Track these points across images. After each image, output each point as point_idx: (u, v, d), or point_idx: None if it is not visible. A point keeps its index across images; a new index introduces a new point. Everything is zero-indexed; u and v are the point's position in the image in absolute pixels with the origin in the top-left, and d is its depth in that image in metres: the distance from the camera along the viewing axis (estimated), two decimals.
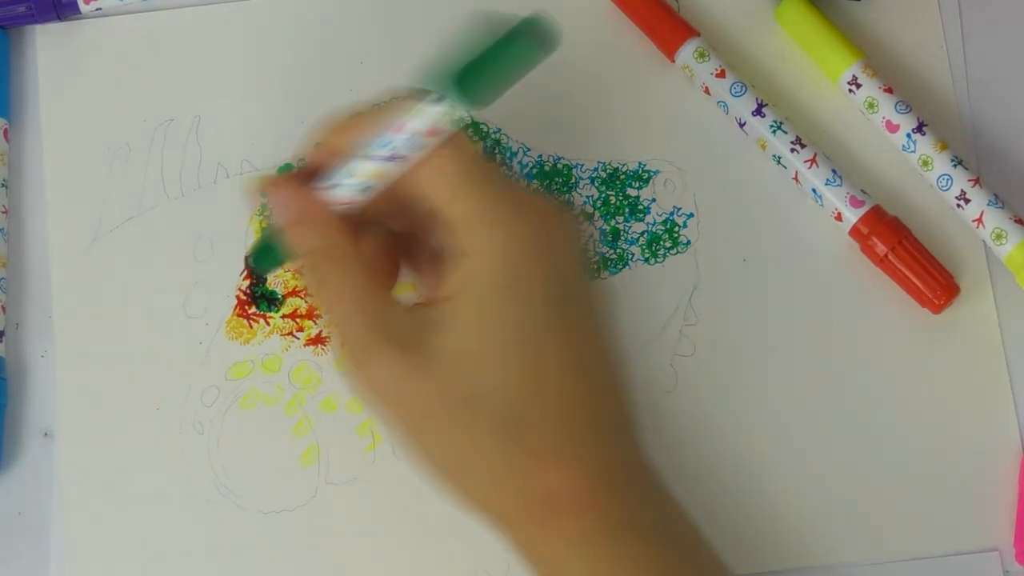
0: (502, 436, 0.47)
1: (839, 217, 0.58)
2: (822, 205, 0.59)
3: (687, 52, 0.60)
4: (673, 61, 0.61)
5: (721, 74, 0.60)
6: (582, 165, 0.61)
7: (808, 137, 0.59)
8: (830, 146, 0.60)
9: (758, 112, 0.59)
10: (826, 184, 0.58)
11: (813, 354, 0.59)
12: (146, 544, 0.57)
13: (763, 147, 0.59)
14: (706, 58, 0.60)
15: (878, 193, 0.59)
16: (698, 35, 0.61)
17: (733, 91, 0.59)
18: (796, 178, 0.59)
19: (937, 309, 0.57)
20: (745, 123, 0.59)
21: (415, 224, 0.53)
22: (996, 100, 0.61)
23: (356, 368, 0.49)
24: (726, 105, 0.60)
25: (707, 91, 0.60)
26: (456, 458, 0.49)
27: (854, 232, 0.58)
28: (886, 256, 0.57)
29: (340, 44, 0.63)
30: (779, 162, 0.59)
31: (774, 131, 0.59)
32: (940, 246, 0.59)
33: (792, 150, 0.59)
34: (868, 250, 0.58)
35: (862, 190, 0.58)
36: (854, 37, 0.61)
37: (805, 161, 0.58)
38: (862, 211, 0.58)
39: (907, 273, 0.57)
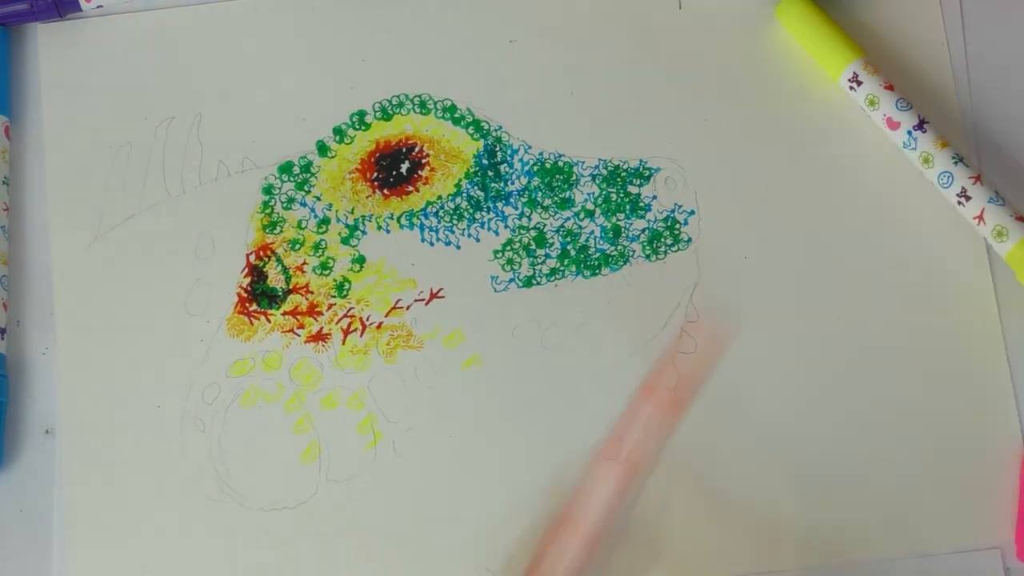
0: None
1: (984, 224, 0.57)
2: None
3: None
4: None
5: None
6: (583, 162, 0.61)
7: (810, 135, 0.59)
8: (831, 143, 0.60)
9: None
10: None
11: (813, 353, 0.59)
12: (147, 541, 0.57)
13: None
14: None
15: (878, 192, 0.59)
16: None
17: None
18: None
19: None
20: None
21: None
22: (997, 98, 0.61)
23: None
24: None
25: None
26: None
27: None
28: None
29: (340, 43, 0.63)
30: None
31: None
32: (941, 244, 0.59)
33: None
34: None
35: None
36: (855, 35, 0.61)
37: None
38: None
39: None
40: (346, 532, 0.58)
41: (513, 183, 0.61)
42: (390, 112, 0.62)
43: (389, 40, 0.63)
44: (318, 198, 0.61)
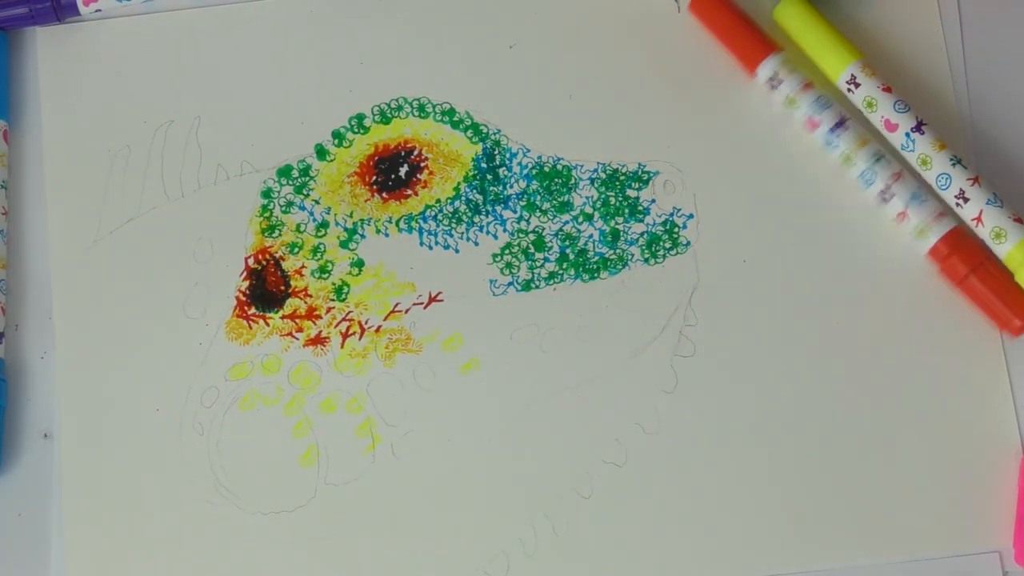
0: None
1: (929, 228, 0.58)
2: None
3: (770, 66, 0.60)
4: (753, 75, 0.61)
5: (808, 86, 0.59)
6: (582, 166, 0.61)
7: (808, 137, 0.59)
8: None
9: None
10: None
11: (812, 355, 0.58)
12: (146, 545, 0.57)
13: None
14: (790, 73, 0.60)
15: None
16: (780, 50, 0.60)
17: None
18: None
19: (1019, 331, 0.57)
20: (834, 136, 0.59)
21: None
22: (995, 99, 0.61)
23: None
24: (807, 119, 0.59)
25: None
26: None
27: (934, 251, 0.58)
28: (967, 276, 0.57)
29: (340, 44, 0.63)
30: (864, 177, 0.59)
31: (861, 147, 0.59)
32: None
33: (877, 161, 0.58)
34: (950, 269, 0.57)
35: (944, 213, 0.58)
36: (853, 36, 0.61)
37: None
38: (946, 230, 0.57)
39: (992, 293, 0.57)
40: (344, 535, 0.57)
41: (512, 186, 0.61)
42: (389, 115, 0.62)
43: (388, 43, 0.63)
44: (317, 202, 0.61)
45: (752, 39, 0.60)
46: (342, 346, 0.59)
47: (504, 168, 0.61)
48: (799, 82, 0.59)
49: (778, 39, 0.61)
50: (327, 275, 0.60)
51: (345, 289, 0.60)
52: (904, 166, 0.59)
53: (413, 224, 0.61)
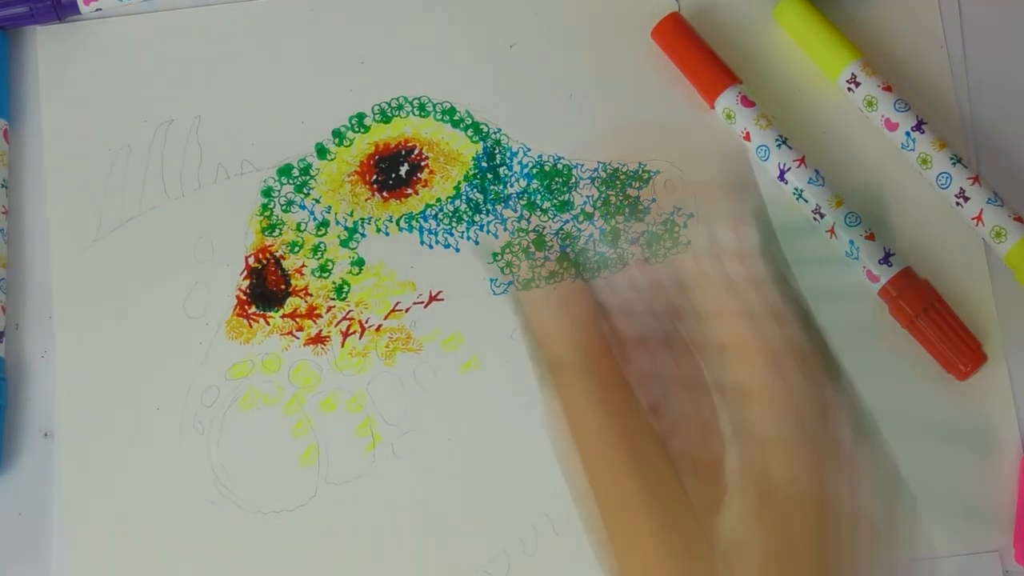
0: None
1: (869, 275, 0.58)
2: (857, 259, 0.58)
3: (728, 98, 0.60)
4: (713, 108, 0.61)
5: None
6: (582, 165, 0.61)
7: (808, 136, 0.59)
8: (829, 145, 0.60)
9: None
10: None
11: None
12: (146, 544, 0.57)
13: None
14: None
15: (876, 193, 0.59)
16: (739, 82, 0.60)
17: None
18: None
19: (963, 376, 0.57)
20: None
21: None
22: (996, 98, 0.61)
23: None
24: (767, 150, 0.59)
25: (747, 137, 0.60)
26: None
27: (883, 293, 0.58)
28: (914, 320, 0.57)
29: (340, 44, 0.63)
30: (815, 215, 0.59)
31: (811, 184, 0.59)
32: (939, 244, 0.59)
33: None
34: (897, 311, 0.57)
35: (892, 253, 0.58)
36: (853, 35, 0.61)
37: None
38: (893, 272, 0.57)
39: (935, 338, 0.57)
40: (345, 535, 0.57)
41: (512, 185, 0.61)
42: (389, 115, 0.62)
43: (388, 42, 0.63)
44: (317, 201, 0.61)
45: (710, 71, 0.60)
46: (342, 345, 0.59)
47: (504, 167, 0.61)
48: (754, 117, 0.59)
49: (749, 64, 0.61)
50: (327, 274, 0.60)
51: (345, 288, 0.60)
52: (858, 209, 0.59)
53: (414, 223, 0.61)
